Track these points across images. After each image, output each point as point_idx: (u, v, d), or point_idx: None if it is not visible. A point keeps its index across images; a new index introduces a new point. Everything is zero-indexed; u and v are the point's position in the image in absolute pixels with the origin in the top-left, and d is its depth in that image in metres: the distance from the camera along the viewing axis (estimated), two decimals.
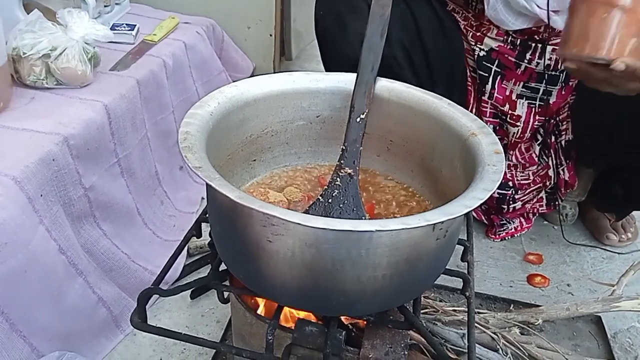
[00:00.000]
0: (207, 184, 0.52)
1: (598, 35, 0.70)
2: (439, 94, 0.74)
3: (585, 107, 1.06)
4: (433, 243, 0.56)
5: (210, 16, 1.45)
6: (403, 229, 0.49)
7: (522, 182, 1.16)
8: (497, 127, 1.13)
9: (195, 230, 0.73)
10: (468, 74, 1.10)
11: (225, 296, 0.73)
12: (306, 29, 1.77)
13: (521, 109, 1.08)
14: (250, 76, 1.60)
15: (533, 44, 1.02)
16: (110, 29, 1.19)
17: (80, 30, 0.95)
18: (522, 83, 1.06)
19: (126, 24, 1.23)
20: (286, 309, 0.66)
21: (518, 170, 1.15)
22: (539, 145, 1.14)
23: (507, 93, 1.07)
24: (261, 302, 0.70)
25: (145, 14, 1.36)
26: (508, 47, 1.04)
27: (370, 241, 0.52)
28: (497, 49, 1.05)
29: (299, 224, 0.48)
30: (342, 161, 0.70)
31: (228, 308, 0.76)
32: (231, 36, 1.53)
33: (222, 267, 0.66)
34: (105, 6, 1.26)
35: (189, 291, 0.87)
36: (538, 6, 0.94)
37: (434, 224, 0.51)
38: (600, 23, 0.69)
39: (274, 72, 1.61)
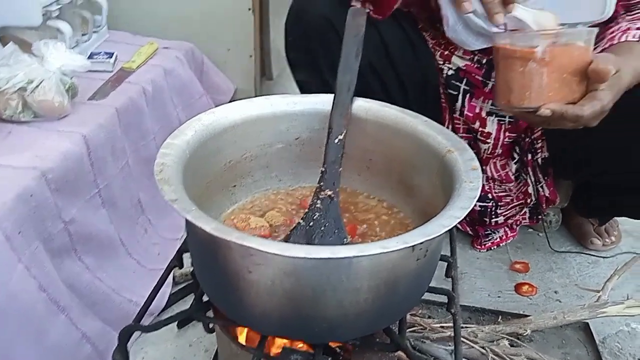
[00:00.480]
0: (183, 217, 0.51)
1: (520, 87, 0.75)
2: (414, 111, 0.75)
3: None
4: (414, 263, 0.56)
5: (190, 40, 1.46)
6: (382, 252, 0.49)
7: (500, 194, 1.16)
8: (472, 142, 1.14)
9: (177, 261, 0.72)
10: (441, 91, 1.11)
11: (211, 326, 0.73)
12: None
13: (491, 125, 1.09)
14: (232, 97, 1.61)
15: None
16: (88, 57, 1.19)
17: (56, 62, 0.95)
18: (490, 101, 1.07)
19: (104, 52, 1.22)
20: None
21: (496, 183, 1.16)
22: (515, 163, 1.14)
23: (477, 110, 1.09)
24: (246, 330, 0.70)
25: (124, 41, 1.36)
26: (475, 66, 1.05)
27: (350, 267, 0.51)
28: (465, 67, 1.06)
29: (277, 254, 0.48)
30: (321, 183, 0.70)
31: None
32: (211, 59, 1.53)
33: (206, 297, 0.66)
34: (82, 35, 1.26)
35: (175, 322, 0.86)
36: (496, 26, 0.96)
37: (413, 245, 0.51)
38: (519, 76, 0.74)
39: (256, 93, 1.64)
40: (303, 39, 1.00)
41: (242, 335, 0.69)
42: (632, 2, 0.93)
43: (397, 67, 1.05)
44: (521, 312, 1.05)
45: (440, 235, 0.52)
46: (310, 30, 0.99)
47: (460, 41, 1.01)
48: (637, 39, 0.85)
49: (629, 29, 0.88)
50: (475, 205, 1.19)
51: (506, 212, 1.19)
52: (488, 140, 1.10)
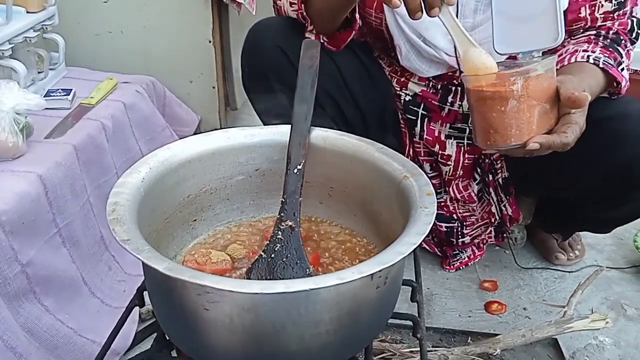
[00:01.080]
0: (135, 257, 0.50)
1: (503, 126, 0.74)
2: (375, 139, 0.76)
3: None
4: (374, 292, 0.56)
5: (151, 74, 1.45)
6: (338, 284, 0.49)
7: (464, 214, 1.18)
8: (434, 164, 1.16)
9: (138, 300, 0.71)
10: (400, 116, 1.13)
11: None
12: None
13: (451, 148, 1.11)
14: (197, 128, 1.60)
15: (453, 88, 1.07)
16: (45, 95, 1.18)
17: (9, 102, 0.93)
18: (448, 124, 1.10)
19: (62, 89, 1.21)
20: None
21: (459, 204, 1.17)
22: (477, 184, 1.16)
23: (436, 134, 1.11)
24: None
25: (83, 77, 1.35)
26: (430, 91, 1.08)
27: (308, 299, 0.51)
28: (421, 93, 1.08)
29: (232, 291, 0.47)
30: (282, 214, 0.70)
31: None
32: (174, 91, 1.53)
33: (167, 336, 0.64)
34: (38, 72, 1.25)
35: None
36: (447, 54, 0.99)
37: (371, 274, 0.51)
38: (501, 115, 0.74)
39: (220, 123, 1.63)
40: (258, 69, 1.01)
41: None
42: (574, 27, 0.98)
43: (355, 95, 1.07)
44: (491, 331, 1.05)
45: (397, 262, 0.52)
46: (265, 61, 1.00)
47: (414, 69, 1.04)
48: (586, 60, 0.89)
49: (576, 50, 0.92)
50: (441, 226, 1.21)
51: (472, 232, 1.20)
52: (449, 163, 1.12)
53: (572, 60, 0.91)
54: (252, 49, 1.02)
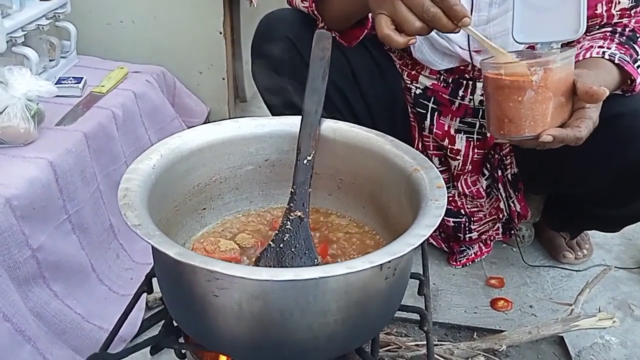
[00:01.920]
0: (146, 242, 0.50)
1: (519, 117, 0.73)
2: (381, 131, 0.75)
3: None
4: (382, 283, 0.56)
5: (161, 64, 1.46)
6: (348, 273, 0.49)
7: (472, 210, 1.18)
8: (443, 159, 1.15)
9: (146, 286, 0.71)
10: (410, 109, 1.13)
11: (183, 352, 0.71)
12: None
13: (460, 143, 1.11)
14: (206, 120, 1.60)
15: (464, 82, 1.06)
16: (56, 83, 1.18)
17: (21, 88, 0.94)
18: (458, 118, 1.09)
19: (73, 77, 1.22)
20: None
21: (467, 199, 1.17)
22: (486, 180, 1.16)
23: (446, 128, 1.10)
24: (218, 355, 0.69)
25: (93, 66, 1.36)
26: (441, 85, 1.07)
27: (317, 288, 0.51)
28: (432, 87, 1.08)
29: (242, 277, 0.47)
30: (291, 204, 0.70)
31: None
32: (183, 82, 1.53)
33: (175, 322, 0.64)
34: (50, 60, 1.25)
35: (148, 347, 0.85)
36: (460, 47, 0.98)
37: (380, 264, 0.51)
38: (517, 105, 0.73)
39: (229, 115, 1.64)
40: (269, 60, 1.01)
41: None
42: (590, 24, 0.97)
43: (364, 88, 1.06)
44: (497, 328, 1.05)
45: (407, 253, 0.52)
46: (275, 52, 0.99)
47: (427, 61, 1.04)
48: (601, 56, 0.88)
49: (591, 46, 0.91)
50: (449, 221, 1.21)
51: (479, 228, 1.20)
52: (458, 157, 1.12)
53: (587, 55, 0.90)
54: (262, 40, 1.02)
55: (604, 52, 0.88)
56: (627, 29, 0.95)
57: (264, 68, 1.03)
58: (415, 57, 1.05)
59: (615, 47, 0.90)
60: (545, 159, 0.98)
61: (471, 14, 0.95)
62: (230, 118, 1.63)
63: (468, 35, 0.96)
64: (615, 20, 0.96)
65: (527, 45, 0.81)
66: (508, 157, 1.13)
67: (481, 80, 1.04)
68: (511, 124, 0.74)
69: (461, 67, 1.04)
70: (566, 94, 0.75)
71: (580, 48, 0.93)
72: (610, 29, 0.96)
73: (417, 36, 1.02)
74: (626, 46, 0.91)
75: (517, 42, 0.78)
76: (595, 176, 0.99)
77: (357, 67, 1.06)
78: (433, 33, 0.97)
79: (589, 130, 0.75)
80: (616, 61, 0.87)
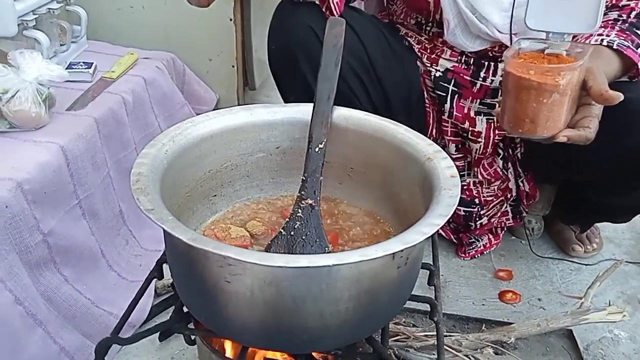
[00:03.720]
0: (159, 226, 0.50)
1: (541, 118, 0.74)
2: (397, 119, 0.75)
3: None
4: (394, 272, 0.56)
5: (171, 50, 1.45)
6: (361, 261, 0.49)
7: (487, 198, 1.17)
8: (460, 146, 1.14)
9: (157, 272, 0.71)
10: (426, 95, 1.12)
11: (192, 338, 0.71)
12: None
13: (480, 125, 1.10)
14: (215, 107, 1.60)
15: (486, 62, 1.05)
16: (67, 67, 1.18)
17: (33, 72, 0.93)
18: (478, 100, 1.08)
19: (83, 62, 1.21)
20: None
21: (484, 186, 1.16)
22: (501, 159, 1.15)
23: (466, 111, 1.09)
24: (228, 342, 0.69)
25: (104, 51, 1.35)
26: (462, 66, 1.06)
27: (330, 275, 0.51)
28: (452, 69, 1.07)
29: (255, 263, 0.47)
30: (302, 192, 0.69)
31: None
32: (193, 69, 1.52)
33: (186, 308, 0.65)
34: (61, 45, 1.25)
35: (157, 333, 0.85)
36: (499, 31, 0.98)
37: (393, 253, 0.51)
38: (541, 107, 0.73)
39: (238, 102, 1.63)
40: (286, 48, 1.00)
41: (224, 347, 0.68)
42: None
43: (379, 72, 1.05)
44: (505, 320, 1.05)
45: (420, 242, 0.52)
46: (294, 40, 0.98)
47: (458, 44, 1.02)
48: (599, 43, 0.87)
49: (590, 35, 0.90)
50: (460, 210, 1.20)
51: (488, 212, 1.19)
52: (479, 140, 1.10)
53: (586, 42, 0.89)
54: (280, 27, 1.01)
55: (602, 40, 0.87)
56: (633, 13, 0.93)
57: (281, 55, 1.02)
58: (444, 39, 1.03)
59: (615, 34, 0.89)
60: (552, 145, 0.98)
61: None
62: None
63: (511, 18, 0.95)
64: (622, 3, 0.95)
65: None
66: (517, 137, 1.12)
67: (501, 60, 1.03)
68: (531, 124, 0.74)
69: (489, 48, 1.03)
70: (579, 90, 0.75)
71: (580, 37, 0.91)
72: (615, 15, 0.94)
73: (453, 20, 1.02)
74: (627, 32, 0.90)
75: (528, 27, 0.77)
76: (602, 161, 0.98)
77: (372, 53, 1.04)
78: (472, 16, 0.95)
79: (596, 129, 0.77)
80: (614, 47, 0.86)
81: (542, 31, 0.77)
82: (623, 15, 0.94)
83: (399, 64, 1.08)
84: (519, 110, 0.74)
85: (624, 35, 0.89)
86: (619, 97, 0.73)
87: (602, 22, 0.93)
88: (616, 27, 0.91)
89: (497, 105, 1.07)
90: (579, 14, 0.73)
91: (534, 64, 0.73)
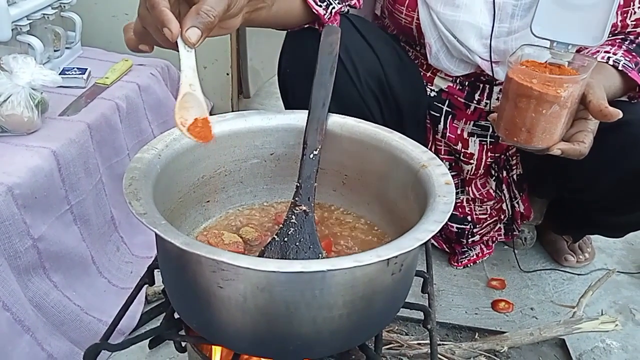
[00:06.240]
0: (151, 231, 0.50)
1: (537, 128, 0.73)
2: (407, 134, 0.73)
3: None
4: (389, 278, 0.56)
5: (165, 57, 1.44)
6: (355, 266, 0.48)
7: (480, 216, 1.17)
8: (453, 164, 1.14)
9: (148, 278, 0.70)
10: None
11: (183, 345, 0.70)
12: (263, 66, 1.78)
13: (473, 146, 1.09)
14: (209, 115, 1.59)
15: (481, 85, 1.04)
16: (60, 73, 1.17)
17: (26, 76, 0.93)
18: (472, 122, 1.08)
19: (77, 68, 1.21)
20: None
21: (476, 204, 1.16)
22: (494, 180, 1.15)
23: (459, 132, 1.09)
24: (219, 349, 0.68)
25: (98, 57, 1.35)
26: (457, 87, 1.06)
27: (323, 281, 0.51)
28: (447, 89, 1.07)
29: (248, 268, 0.46)
30: (297, 198, 0.69)
31: None
32: None
33: (177, 314, 0.64)
34: (55, 50, 1.24)
35: (147, 340, 0.84)
36: (480, 57, 0.97)
37: (387, 259, 0.50)
38: (539, 117, 0.73)
39: (232, 110, 1.63)
40: (304, 70, 0.95)
41: (215, 354, 0.67)
42: None
43: (392, 85, 1.02)
44: (498, 329, 1.04)
45: (415, 248, 0.52)
46: (307, 61, 0.94)
47: (442, 68, 1.02)
48: (605, 61, 0.88)
49: (597, 51, 0.91)
50: (452, 226, 1.20)
51: (481, 230, 1.19)
52: (471, 161, 1.10)
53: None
54: (295, 49, 0.96)
55: (608, 58, 0.88)
56: None
57: (297, 78, 0.97)
58: (430, 64, 1.03)
59: (622, 53, 0.90)
60: (551, 165, 0.98)
61: (493, 24, 0.94)
62: None
63: (490, 46, 0.95)
64: (629, 29, 0.96)
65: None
66: (514, 158, 1.12)
67: (497, 84, 1.03)
68: (527, 133, 0.74)
69: (477, 72, 1.03)
70: (577, 103, 0.74)
71: (587, 52, 0.92)
72: (621, 37, 0.95)
73: (435, 44, 1.00)
74: (634, 53, 0.91)
75: (533, 34, 0.76)
76: (600, 182, 0.98)
77: (385, 64, 1.00)
78: (453, 40, 0.95)
79: (590, 144, 0.77)
80: (620, 67, 0.87)
81: (546, 39, 0.77)
82: (631, 36, 0.95)
83: (408, 77, 1.06)
84: (517, 118, 0.74)
85: (630, 57, 0.89)
86: (618, 114, 0.73)
87: (610, 40, 0.94)
88: (623, 47, 0.92)
89: (490, 129, 1.08)
90: (586, 27, 0.73)
91: (537, 72, 0.72)
